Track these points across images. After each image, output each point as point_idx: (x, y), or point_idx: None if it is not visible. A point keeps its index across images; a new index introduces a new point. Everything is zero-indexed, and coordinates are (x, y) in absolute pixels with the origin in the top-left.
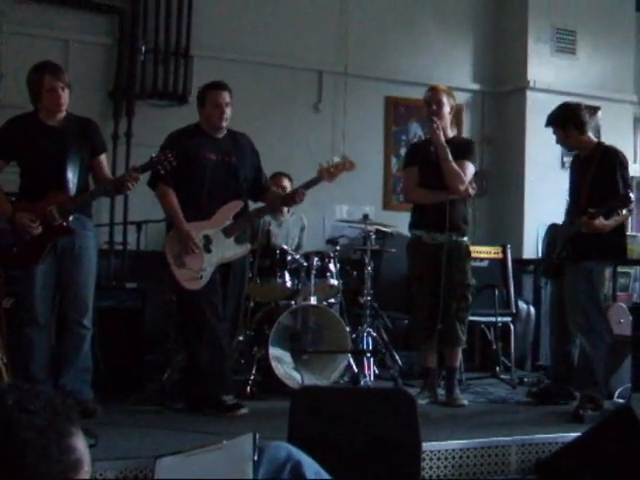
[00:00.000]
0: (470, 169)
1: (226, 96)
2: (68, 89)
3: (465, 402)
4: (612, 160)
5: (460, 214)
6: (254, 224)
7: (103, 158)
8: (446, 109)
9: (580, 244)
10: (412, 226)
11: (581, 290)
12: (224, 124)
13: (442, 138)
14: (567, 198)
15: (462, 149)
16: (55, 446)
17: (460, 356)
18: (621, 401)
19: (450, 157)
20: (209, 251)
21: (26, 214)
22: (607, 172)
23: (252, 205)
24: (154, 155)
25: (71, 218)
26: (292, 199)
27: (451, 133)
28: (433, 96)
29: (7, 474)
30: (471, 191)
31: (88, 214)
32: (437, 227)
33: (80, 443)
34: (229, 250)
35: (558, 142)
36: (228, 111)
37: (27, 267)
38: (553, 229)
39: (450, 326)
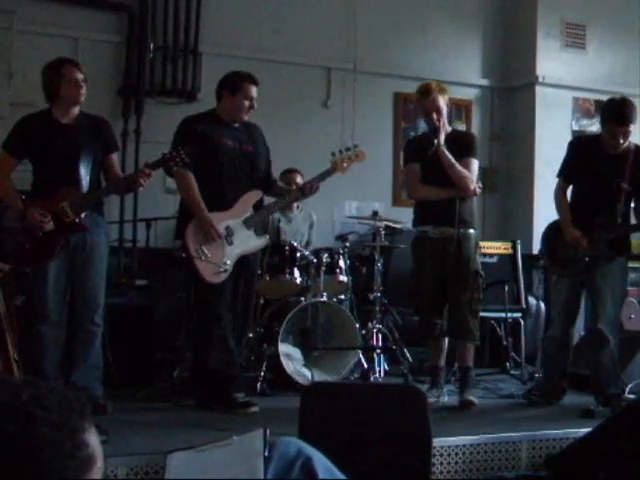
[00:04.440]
0: (476, 166)
1: (256, 91)
2: (85, 84)
3: (475, 400)
4: None
5: (468, 208)
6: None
7: (115, 157)
8: (445, 110)
9: (617, 241)
10: (417, 222)
11: (618, 285)
12: (247, 118)
13: (443, 146)
14: (575, 187)
15: (465, 146)
16: (69, 442)
17: (472, 354)
18: (632, 397)
19: (454, 161)
20: (231, 243)
21: (37, 210)
22: None
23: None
24: (166, 152)
25: (83, 215)
26: (308, 191)
27: (449, 128)
28: (430, 105)
29: (22, 470)
30: (478, 190)
31: (100, 211)
32: (445, 221)
33: (93, 439)
34: (250, 242)
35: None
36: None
37: (39, 264)
38: (556, 227)
39: (462, 319)
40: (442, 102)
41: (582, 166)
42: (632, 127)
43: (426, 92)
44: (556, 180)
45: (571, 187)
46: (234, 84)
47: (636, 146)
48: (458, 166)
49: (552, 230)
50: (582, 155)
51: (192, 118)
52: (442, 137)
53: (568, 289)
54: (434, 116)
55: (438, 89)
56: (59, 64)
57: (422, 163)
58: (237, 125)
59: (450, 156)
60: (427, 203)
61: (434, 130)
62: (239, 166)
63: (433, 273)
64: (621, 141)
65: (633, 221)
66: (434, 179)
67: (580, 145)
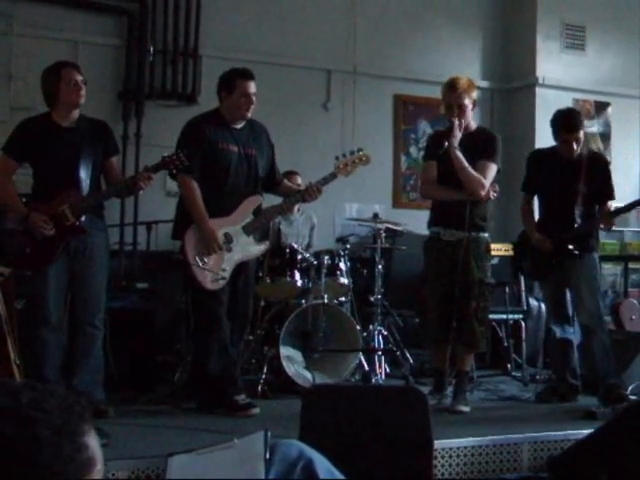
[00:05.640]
0: (492, 171)
1: (254, 86)
2: (85, 86)
3: (466, 409)
4: (605, 164)
5: (480, 212)
6: (270, 222)
7: (115, 160)
8: (469, 109)
9: (583, 242)
10: (430, 224)
11: (593, 278)
12: (249, 115)
13: (456, 147)
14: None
15: (485, 148)
16: (69, 445)
17: (472, 360)
18: (634, 398)
19: (466, 164)
20: (230, 250)
21: (40, 215)
22: (601, 176)
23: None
24: (166, 154)
25: (83, 218)
26: (310, 195)
27: (474, 125)
28: (453, 100)
29: (21, 473)
30: (492, 195)
31: (100, 214)
32: (456, 224)
33: (93, 441)
34: (249, 248)
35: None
36: (255, 101)
37: (40, 268)
38: (524, 237)
39: (469, 327)
40: (467, 100)
41: (542, 177)
42: (581, 133)
43: (452, 87)
44: None
45: (538, 198)
46: (229, 82)
47: (589, 152)
48: (469, 169)
49: (521, 241)
50: (541, 166)
51: (197, 120)
52: (457, 138)
53: (551, 292)
54: (454, 113)
55: (466, 85)
56: (58, 67)
57: (439, 162)
58: (241, 126)
59: (462, 158)
60: (440, 204)
61: (450, 128)
62: (242, 171)
63: (440, 276)
64: (575, 147)
65: None
66: (448, 179)
67: (538, 158)
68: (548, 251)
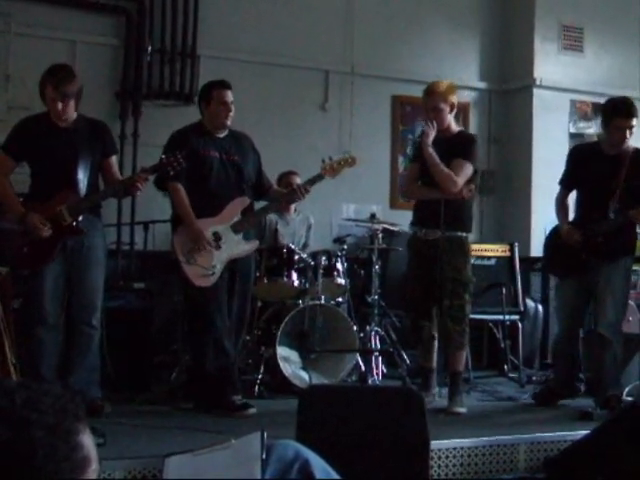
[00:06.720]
0: (466, 169)
1: (231, 94)
2: (74, 98)
3: (462, 410)
4: None
5: (455, 210)
6: (260, 222)
7: (113, 160)
8: (444, 112)
9: (617, 240)
10: (412, 223)
11: (620, 288)
12: (229, 122)
13: (429, 145)
14: (576, 191)
15: (461, 147)
16: (64, 444)
17: (465, 359)
18: (630, 399)
19: (438, 161)
20: (218, 247)
21: (37, 215)
22: None
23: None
24: (164, 156)
25: (80, 218)
26: (296, 195)
27: (457, 128)
28: (429, 103)
29: (16, 473)
30: (466, 193)
31: (97, 214)
32: (431, 223)
33: (88, 441)
34: (238, 246)
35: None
36: (233, 109)
37: (37, 267)
38: (556, 231)
39: (443, 326)
40: (442, 104)
41: (582, 172)
42: (635, 122)
43: (428, 91)
44: (554, 182)
45: (576, 193)
46: (206, 94)
47: (635, 149)
48: (441, 166)
49: (552, 234)
50: (581, 161)
51: (182, 130)
52: (429, 137)
53: (573, 293)
54: (430, 115)
55: (443, 89)
56: (51, 75)
57: (422, 164)
58: (223, 135)
59: (434, 155)
60: (419, 204)
61: (425, 125)
62: (225, 176)
63: (419, 274)
64: (627, 135)
65: None
66: (427, 179)
67: (578, 152)
68: (576, 244)
